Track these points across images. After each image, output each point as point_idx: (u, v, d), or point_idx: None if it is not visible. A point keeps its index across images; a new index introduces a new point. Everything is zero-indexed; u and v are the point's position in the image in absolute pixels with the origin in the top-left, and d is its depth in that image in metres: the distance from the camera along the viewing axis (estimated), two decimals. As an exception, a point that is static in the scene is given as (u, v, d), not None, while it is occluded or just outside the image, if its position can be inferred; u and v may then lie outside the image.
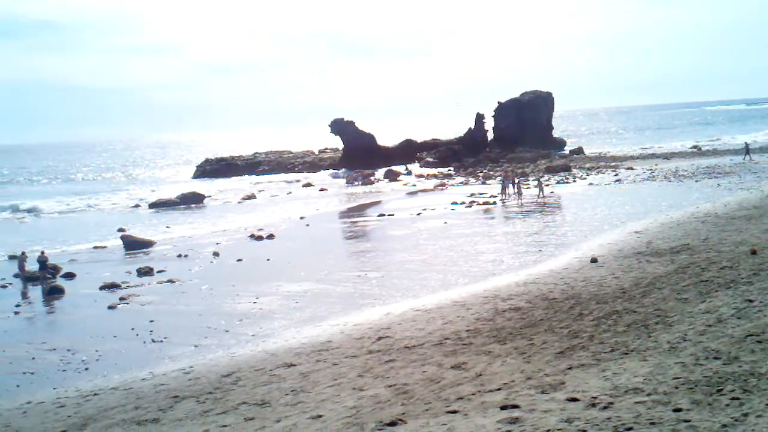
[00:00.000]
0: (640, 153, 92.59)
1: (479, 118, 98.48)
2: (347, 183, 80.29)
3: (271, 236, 41.55)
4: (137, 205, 68.29)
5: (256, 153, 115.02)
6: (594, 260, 26.82)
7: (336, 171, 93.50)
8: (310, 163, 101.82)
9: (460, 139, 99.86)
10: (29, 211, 66.91)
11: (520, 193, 51.69)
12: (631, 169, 70.30)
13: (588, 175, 68.20)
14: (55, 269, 33.92)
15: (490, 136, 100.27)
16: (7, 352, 21.51)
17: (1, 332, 24.18)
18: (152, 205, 66.07)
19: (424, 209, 49.26)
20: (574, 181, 63.41)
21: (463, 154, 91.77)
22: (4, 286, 32.21)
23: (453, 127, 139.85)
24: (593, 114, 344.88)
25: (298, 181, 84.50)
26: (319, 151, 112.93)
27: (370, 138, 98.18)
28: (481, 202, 51.40)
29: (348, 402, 13.79)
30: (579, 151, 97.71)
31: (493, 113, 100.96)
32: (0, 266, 36.92)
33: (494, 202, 51.05)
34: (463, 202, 51.55)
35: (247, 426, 13.15)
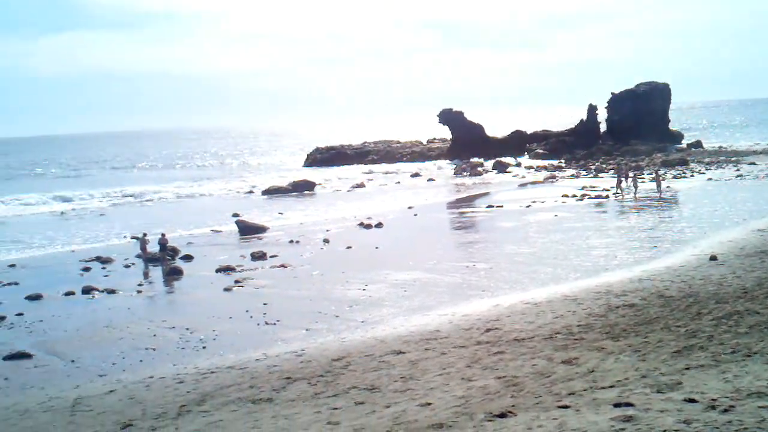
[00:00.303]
0: (764, 148, 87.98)
1: (592, 109, 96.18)
2: (455, 173, 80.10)
3: (379, 225, 41.97)
4: (251, 191, 70.37)
5: (365, 142, 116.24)
6: (713, 258, 25.82)
7: (444, 161, 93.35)
8: (419, 153, 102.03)
9: (572, 130, 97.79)
10: (148, 196, 69.85)
11: (635, 187, 50.24)
12: (754, 164, 67.14)
13: (707, 169, 65.56)
14: (175, 251, 35.44)
15: (603, 128, 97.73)
16: (131, 329, 22.63)
17: (124, 310, 25.46)
18: (265, 192, 67.88)
19: (534, 201, 48.61)
20: (692, 176, 61.12)
21: (574, 146, 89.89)
22: (127, 266, 33.87)
23: (564, 119, 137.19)
24: (714, 106, 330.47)
25: (406, 170, 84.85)
26: (428, 141, 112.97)
27: (479, 128, 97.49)
28: (593, 196, 50.26)
29: (457, 391, 13.83)
30: (697, 144, 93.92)
31: (606, 104, 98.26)
32: (124, 247, 38.81)
33: (607, 196, 49.82)
34: (574, 195, 50.53)
35: (357, 410, 13.39)
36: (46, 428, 14.23)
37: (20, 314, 25.12)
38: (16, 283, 30.58)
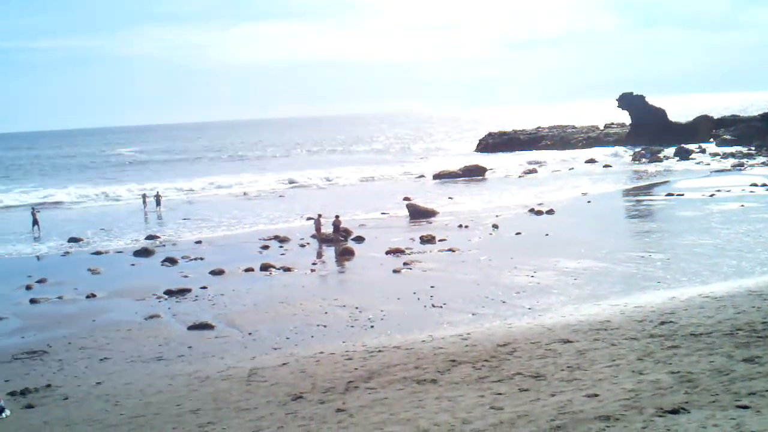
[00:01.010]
0: None
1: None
2: (633, 160, 76.96)
3: (550, 211, 41.11)
4: (422, 176, 71.03)
5: (539, 127, 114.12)
6: None
7: (621, 148, 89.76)
8: (594, 138, 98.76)
9: (764, 115, 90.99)
10: (330, 179, 72.19)
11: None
12: None
13: None
14: (347, 233, 36.50)
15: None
16: (304, 306, 23.57)
17: (299, 287, 26.55)
18: (436, 176, 68.28)
19: (718, 190, 45.76)
20: None
21: (766, 133, 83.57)
22: (303, 246, 35.29)
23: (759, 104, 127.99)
24: None
25: (581, 156, 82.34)
26: (605, 126, 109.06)
27: (661, 113, 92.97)
28: (786, 185, 46.62)
29: (626, 384, 13.30)
30: None
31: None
32: (301, 228, 40.44)
33: (802, 186, 46.06)
34: (765, 185, 47.05)
35: (522, 396, 13.21)
36: (224, 395, 15.11)
37: (204, 288, 26.86)
38: (201, 258, 32.73)
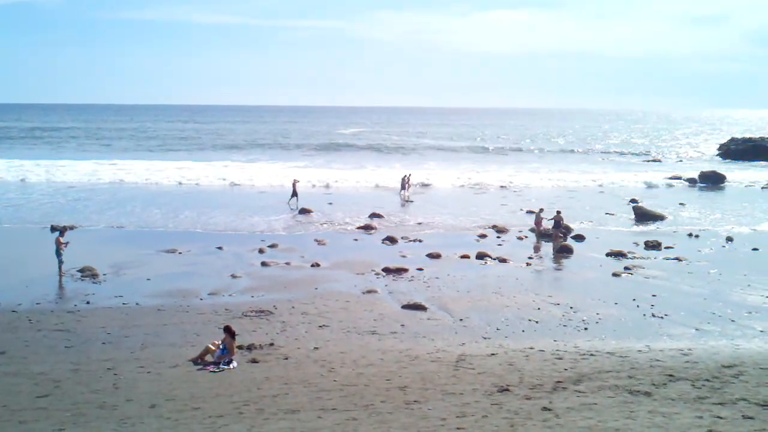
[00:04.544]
0: None
1: None
2: None
3: (797, 229, 37.63)
4: (652, 179, 67.57)
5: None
6: None
7: None
8: None
9: None
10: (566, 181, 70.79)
11: None
12: None
13: None
14: (568, 229, 35.66)
15: None
16: (516, 299, 23.39)
17: (512, 279, 26.37)
18: (668, 180, 64.81)
19: None
20: None
21: None
22: (520, 239, 34.99)
23: None
24: None
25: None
26: None
27: None
28: None
29: None
30: None
31: None
32: (519, 220, 40.12)
33: None
34: None
35: (745, 424, 12.23)
36: (432, 377, 15.37)
37: (420, 269, 27.48)
38: (420, 241, 33.49)
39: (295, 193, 45.63)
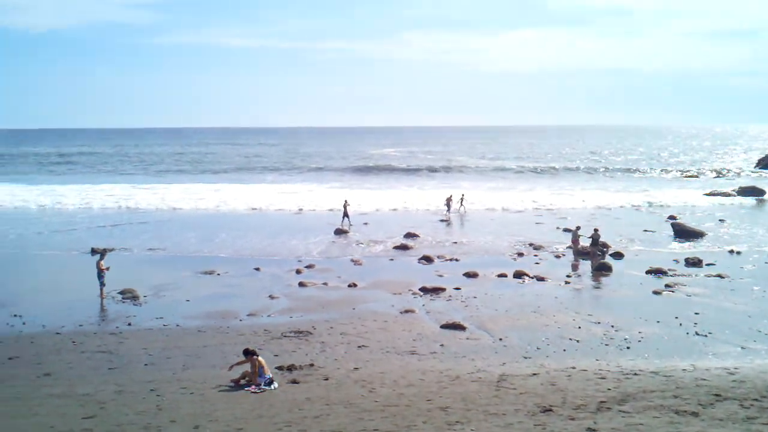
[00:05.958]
0: None
1: None
2: None
3: (841, 244, 36.83)
4: (687, 199, 66.59)
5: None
6: None
7: None
8: None
9: None
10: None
11: None
12: None
13: None
14: (606, 247, 35.29)
15: None
16: (556, 318, 23.15)
17: (551, 298, 26.13)
18: (707, 195, 63.94)
19: None
20: None
21: None
22: (557, 257, 34.68)
23: None
24: None
25: None
26: None
27: None
28: None
29: None
30: None
31: None
32: (556, 238, 39.78)
33: None
34: None
35: (797, 445, 11.97)
36: (473, 397, 15.24)
37: (457, 288, 27.37)
38: (456, 260, 33.39)
39: (346, 214, 45.87)
